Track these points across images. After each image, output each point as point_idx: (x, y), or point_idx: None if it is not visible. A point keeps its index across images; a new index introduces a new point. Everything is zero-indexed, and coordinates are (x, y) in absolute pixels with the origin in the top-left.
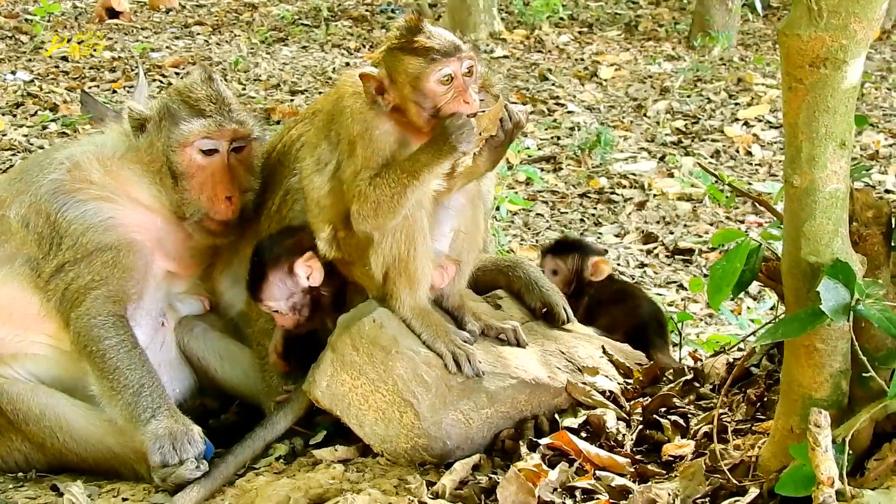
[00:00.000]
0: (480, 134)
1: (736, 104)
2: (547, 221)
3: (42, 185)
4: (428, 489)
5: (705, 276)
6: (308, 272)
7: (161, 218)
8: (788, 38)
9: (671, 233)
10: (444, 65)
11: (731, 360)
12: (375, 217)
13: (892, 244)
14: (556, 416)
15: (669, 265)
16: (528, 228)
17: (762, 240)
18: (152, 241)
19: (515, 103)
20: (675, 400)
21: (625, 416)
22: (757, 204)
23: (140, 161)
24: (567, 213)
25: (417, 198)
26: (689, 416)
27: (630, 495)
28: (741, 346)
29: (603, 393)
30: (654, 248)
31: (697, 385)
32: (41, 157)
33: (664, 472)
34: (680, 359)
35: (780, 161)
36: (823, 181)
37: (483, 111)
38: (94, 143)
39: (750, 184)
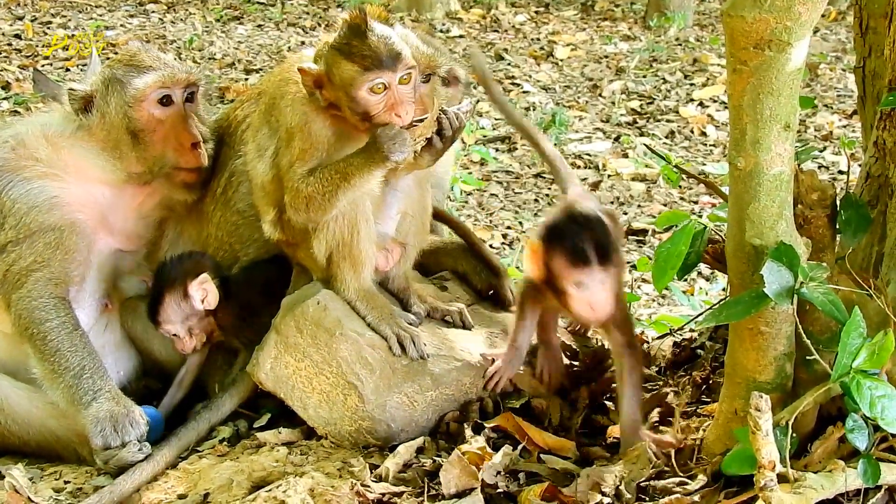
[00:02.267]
0: (416, 141)
1: (691, 85)
2: (501, 202)
3: None
4: (371, 472)
5: None
6: (203, 295)
7: (110, 189)
8: (733, 20)
9: (625, 213)
10: (378, 75)
11: (679, 341)
12: (307, 211)
13: (837, 227)
14: (500, 398)
15: (623, 246)
16: (483, 209)
17: (709, 222)
18: (97, 218)
19: (465, 95)
20: None
21: (569, 399)
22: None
23: (92, 137)
24: (521, 193)
25: (350, 198)
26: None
27: (576, 478)
28: (692, 326)
29: None
30: None
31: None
32: None
33: (609, 454)
34: None
35: None
36: (768, 164)
37: (420, 120)
38: (39, 122)
39: (704, 164)
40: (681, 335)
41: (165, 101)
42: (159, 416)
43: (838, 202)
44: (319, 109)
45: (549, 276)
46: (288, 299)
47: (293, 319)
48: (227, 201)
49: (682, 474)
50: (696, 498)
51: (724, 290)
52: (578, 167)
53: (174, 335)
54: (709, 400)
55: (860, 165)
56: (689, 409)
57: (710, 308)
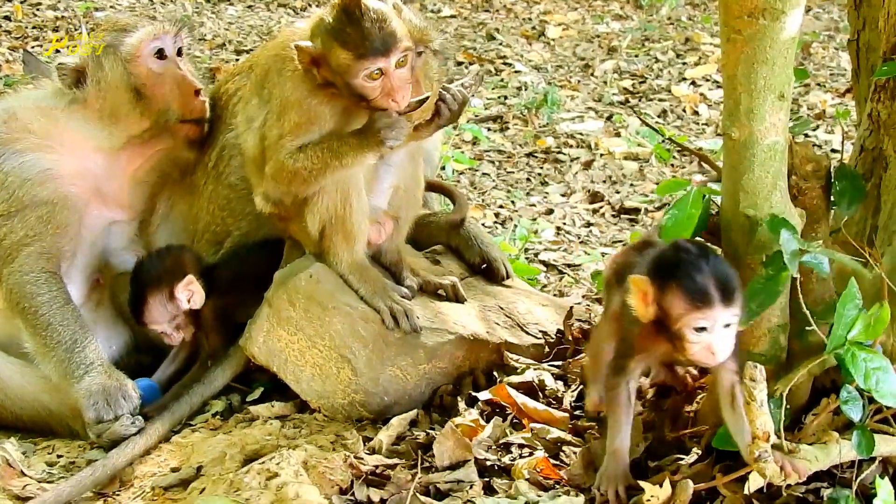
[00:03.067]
0: (413, 123)
1: (683, 64)
2: (493, 181)
3: None
4: (364, 445)
5: None
6: (189, 295)
7: (105, 158)
8: None
9: (617, 192)
10: (373, 62)
11: None
12: (288, 185)
13: (831, 198)
14: (494, 371)
15: (615, 224)
16: (475, 188)
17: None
18: (91, 189)
19: (460, 76)
20: None
21: (562, 373)
22: (704, 164)
23: (88, 108)
24: (513, 172)
25: (337, 177)
26: None
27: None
28: None
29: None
30: (601, 207)
31: None
32: None
33: (600, 428)
34: None
35: None
36: (762, 134)
37: (420, 102)
38: (32, 96)
39: (696, 143)
40: None
41: (160, 54)
42: (156, 387)
43: (833, 173)
44: (317, 86)
45: (662, 320)
46: (280, 273)
47: (285, 293)
48: (219, 175)
49: (675, 449)
50: (691, 474)
51: None
52: (570, 146)
53: (161, 332)
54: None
55: (853, 144)
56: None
57: None
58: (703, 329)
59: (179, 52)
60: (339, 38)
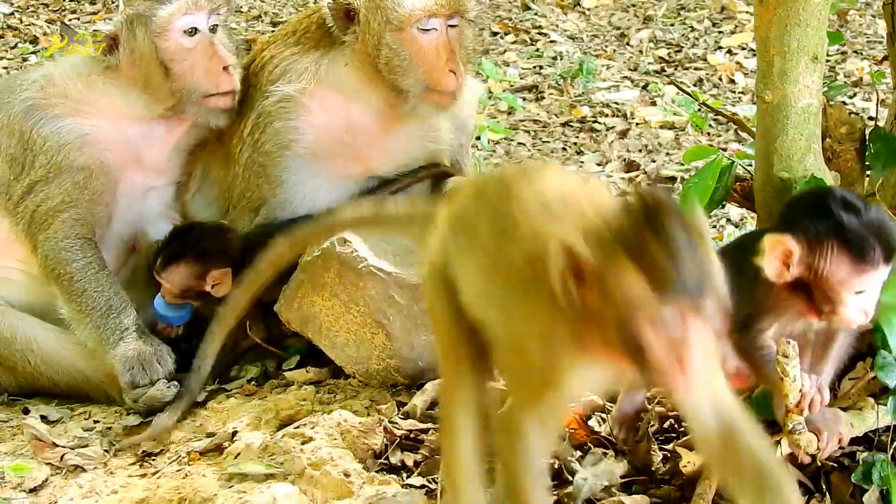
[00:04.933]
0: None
1: (719, 32)
2: (529, 151)
3: (14, 106)
4: (399, 409)
5: None
6: (216, 283)
7: (141, 124)
8: None
9: (653, 161)
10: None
11: None
12: None
13: (866, 161)
14: None
15: None
16: (511, 157)
17: (735, 158)
18: (128, 156)
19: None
20: None
21: None
22: (740, 131)
23: (122, 76)
24: (549, 142)
25: None
26: None
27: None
28: None
29: None
30: (637, 176)
31: None
32: (12, 79)
33: None
34: None
35: None
36: (795, 96)
37: None
38: (69, 63)
39: (733, 111)
40: None
41: (191, 30)
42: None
43: (867, 136)
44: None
45: (814, 282)
46: None
47: (320, 258)
48: (255, 142)
49: None
50: None
51: None
52: (606, 115)
53: (165, 291)
54: None
55: (888, 108)
56: None
57: None
58: (862, 290)
59: (214, 29)
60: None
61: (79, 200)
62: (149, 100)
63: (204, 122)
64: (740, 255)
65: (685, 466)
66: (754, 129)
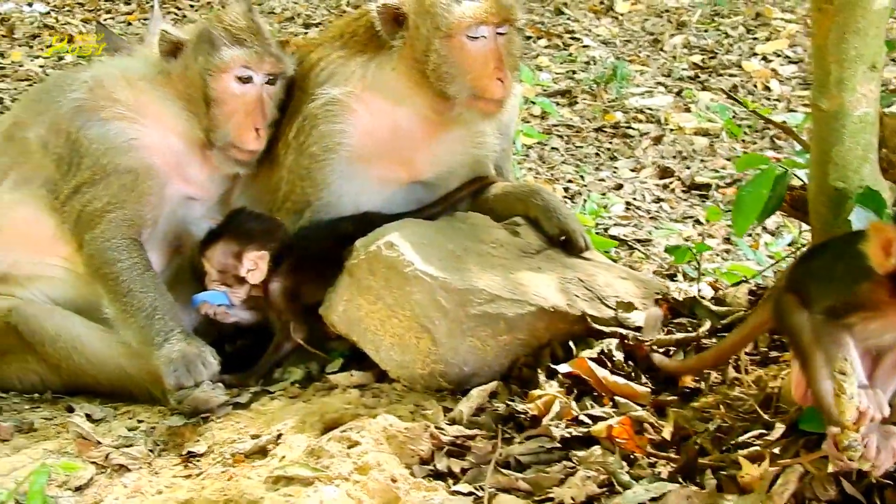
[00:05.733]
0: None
1: (754, 39)
2: (562, 155)
3: (63, 105)
4: (445, 415)
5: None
6: (251, 267)
7: (184, 142)
8: None
9: (688, 168)
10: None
11: (754, 289)
12: None
13: None
14: (572, 343)
15: (686, 200)
16: (544, 162)
17: (787, 167)
18: (172, 165)
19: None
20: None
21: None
22: (776, 139)
23: (171, 85)
24: (582, 147)
25: None
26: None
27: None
28: (765, 274)
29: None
30: (671, 182)
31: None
32: (62, 77)
33: (681, 403)
34: (698, 290)
35: (799, 96)
36: (852, 105)
37: None
38: (119, 65)
39: (758, 117)
40: (756, 283)
41: (245, 78)
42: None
43: None
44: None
45: None
46: (361, 241)
47: (366, 262)
48: (300, 145)
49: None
50: (776, 450)
51: (790, 244)
52: (640, 121)
53: (207, 274)
54: (787, 347)
55: None
56: (768, 357)
57: (784, 258)
58: None
59: (273, 81)
60: None
61: (125, 202)
62: (191, 118)
63: (221, 166)
64: (852, 243)
65: (743, 478)
66: (803, 138)
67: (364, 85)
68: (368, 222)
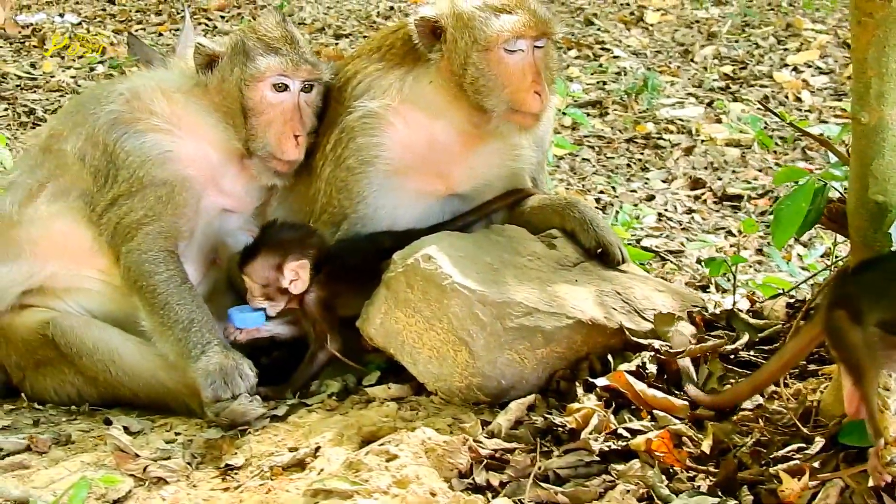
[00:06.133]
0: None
1: (785, 50)
2: (593, 166)
3: (100, 117)
4: (483, 428)
5: (766, 223)
6: (293, 277)
7: (220, 154)
8: None
9: (719, 179)
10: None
11: (792, 302)
12: None
13: None
14: (610, 356)
15: (717, 211)
16: (575, 173)
17: (824, 180)
18: (208, 177)
19: None
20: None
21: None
22: (808, 150)
23: (207, 97)
24: (613, 158)
25: None
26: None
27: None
28: (801, 287)
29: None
30: (702, 194)
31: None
32: (99, 89)
33: (718, 417)
34: (734, 302)
35: (830, 107)
36: (893, 118)
37: None
38: (155, 77)
39: (796, 129)
40: (793, 296)
41: (281, 86)
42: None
43: None
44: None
45: None
46: (399, 254)
47: (404, 275)
48: (337, 158)
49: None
50: (816, 464)
51: (823, 255)
52: (671, 132)
53: (249, 289)
54: (826, 360)
55: None
56: (806, 370)
57: (822, 270)
58: None
59: (309, 88)
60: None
61: (162, 214)
62: (227, 130)
63: (260, 177)
64: None
65: (783, 492)
66: (839, 150)
67: (401, 98)
68: (407, 237)
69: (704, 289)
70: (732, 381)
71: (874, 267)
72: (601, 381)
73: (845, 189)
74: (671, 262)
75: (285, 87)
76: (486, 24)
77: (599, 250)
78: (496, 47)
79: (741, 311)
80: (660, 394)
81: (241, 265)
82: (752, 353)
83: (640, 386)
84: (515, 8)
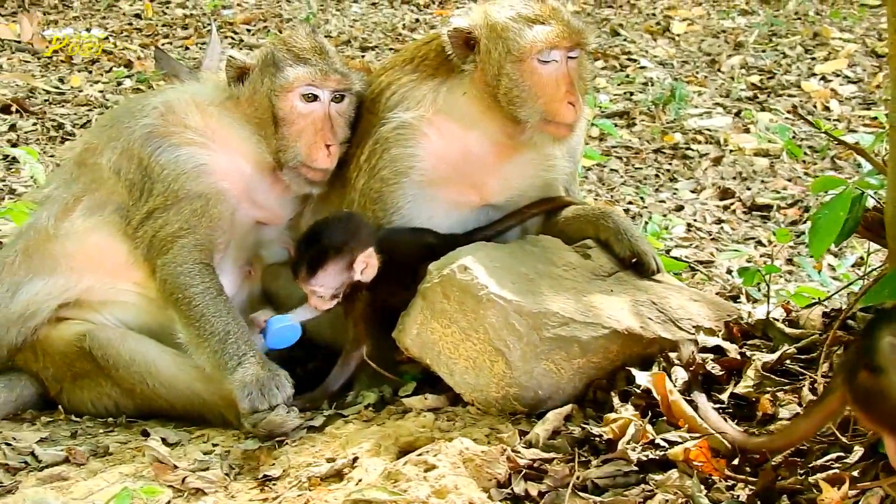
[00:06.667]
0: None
1: (812, 59)
2: (621, 177)
3: (135, 131)
4: (520, 438)
5: (801, 234)
6: (363, 267)
7: (254, 166)
8: None
9: (748, 189)
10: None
11: (828, 311)
12: None
13: None
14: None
15: (747, 221)
16: (603, 184)
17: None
18: (242, 189)
19: None
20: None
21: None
22: (837, 159)
23: (240, 110)
24: (641, 168)
25: None
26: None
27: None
28: (836, 297)
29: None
30: (731, 204)
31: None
32: (133, 102)
33: (755, 430)
34: (768, 312)
35: (859, 116)
36: None
37: None
38: (189, 90)
39: (830, 138)
40: (829, 305)
41: (311, 97)
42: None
43: None
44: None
45: None
46: (434, 265)
47: (440, 285)
48: (372, 168)
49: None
50: (855, 473)
51: (854, 265)
52: (699, 142)
53: (318, 295)
54: None
55: None
56: None
57: (858, 279)
58: None
59: (340, 98)
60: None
61: (197, 227)
62: (260, 142)
63: (293, 186)
64: None
65: (823, 500)
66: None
67: (435, 109)
68: (450, 239)
69: (735, 299)
70: (769, 388)
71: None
72: (641, 381)
73: (881, 198)
74: (701, 272)
75: (315, 97)
76: (520, 34)
77: (634, 260)
78: (530, 58)
79: (777, 320)
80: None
81: (307, 280)
82: (788, 362)
83: (675, 396)
84: (549, 19)
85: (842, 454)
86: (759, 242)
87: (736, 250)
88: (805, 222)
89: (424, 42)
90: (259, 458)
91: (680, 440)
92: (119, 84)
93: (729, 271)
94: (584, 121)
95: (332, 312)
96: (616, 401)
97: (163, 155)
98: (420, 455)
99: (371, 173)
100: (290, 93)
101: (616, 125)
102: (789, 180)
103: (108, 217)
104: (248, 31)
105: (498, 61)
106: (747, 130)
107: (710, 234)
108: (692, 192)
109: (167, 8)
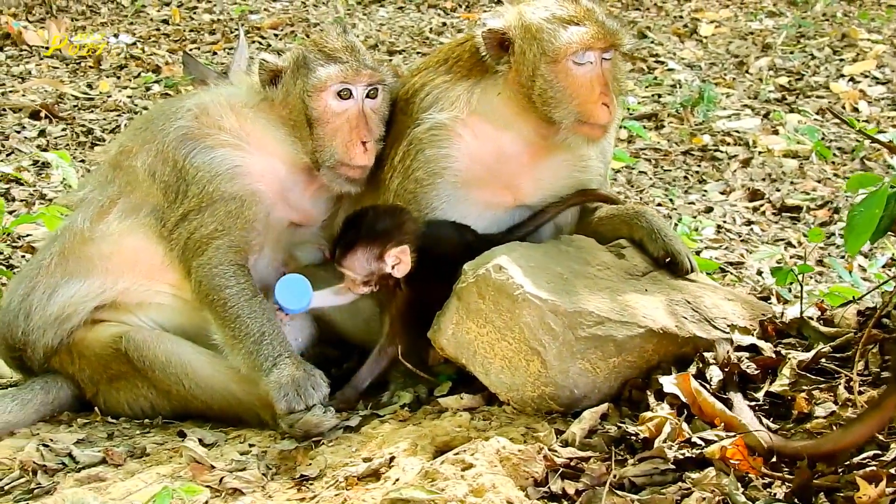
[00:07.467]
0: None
1: (841, 60)
2: (650, 179)
3: (169, 133)
4: (557, 437)
5: (830, 235)
6: (395, 262)
7: (288, 168)
8: None
9: (778, 190)
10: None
11: (862, 310)
12: None
13: None
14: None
15: (777, 223)
16: (632, 186)
17: None
18: (276, 191)
19: None
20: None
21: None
22: (866, 160)
23: (274, 112)
24: (670, 170)
25: None
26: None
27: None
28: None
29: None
30: (761, 205)
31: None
32: (167, 105)
33: (795, 424)
34: (802, 310)
35: (888, 117)
36: None
37: None
38: (225, 92)
39: (859, 141)
40: (863, 304)
41: (344, 94)
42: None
43: None
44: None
45: None
46: (469, 265)
47: (475, 285)
48: (406, 169)
49: (875, 445)
50: (893, 470)
51: (885, 266)
52: (728, 144)
53: (350, 278)
54: None
55: None
56: (879, 377)
57: (890, 279)
58: None
59: (372, 95)
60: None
61: (232, 228)
62: (295, 143)
63: (331, 186)
64: None
65: (861, 498)
66: None
67: (469, 110)
68: (489, 238)
69: (766, 300)
70: (805, 387)
71: None
72: (668, 387)
73: None
74: (731, 273)
75: (349, 94)
76: (555, 35)
77: (668, 259)
78: (565, 59)
79: (812, 319)
80: (723, 406)
81: (339, 260)
82: (822, 360)
83: (705, 395)
84: (584, 20)
85: (878, 452)
86: (789, 244)
87: (770, 253)
88: (835, 224)
89: (458, 43)
90: (296, 458)
91: (716, 438)
92: (147, 89)
93: (759, 272)
94: (615, 122)
95: (368, 313)
96: (652, 399)
97: (197, 157)
98: (457, 454)
99: (405, 174)
100: (323, 92)
101: (644, 127)
102: (819, 181)
103: (143, 219)
104: (276, 35)
105: (532, 62)
106: (776, 132)
107: (740, 236)
108: (721, 193)
109: (194, 13)
